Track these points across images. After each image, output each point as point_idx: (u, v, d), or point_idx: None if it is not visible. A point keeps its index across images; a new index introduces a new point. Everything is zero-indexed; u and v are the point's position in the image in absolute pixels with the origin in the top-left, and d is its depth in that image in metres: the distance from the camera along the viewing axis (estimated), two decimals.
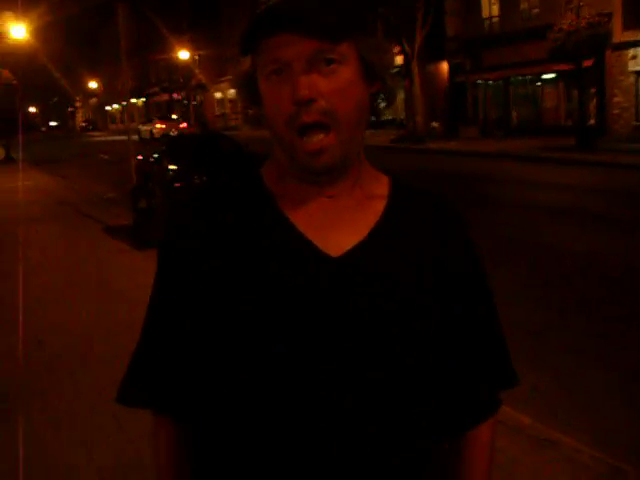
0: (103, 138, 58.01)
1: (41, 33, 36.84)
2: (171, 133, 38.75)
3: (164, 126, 45.68)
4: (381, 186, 1.19)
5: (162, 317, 1.17)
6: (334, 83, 1.04)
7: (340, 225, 1.12)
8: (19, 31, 30.32)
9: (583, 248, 8.87)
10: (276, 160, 1.17)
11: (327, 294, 1.07)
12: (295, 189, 1.13)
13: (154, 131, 45.28)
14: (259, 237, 1.11)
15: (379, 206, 1.16)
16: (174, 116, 52.53)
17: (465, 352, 1.20)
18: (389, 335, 1.08)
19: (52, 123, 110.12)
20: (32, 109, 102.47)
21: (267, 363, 1.06)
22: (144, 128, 45.95)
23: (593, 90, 25.83)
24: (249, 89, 1.13)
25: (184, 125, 46.76)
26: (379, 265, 1.10)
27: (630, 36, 24.16)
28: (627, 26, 24.19)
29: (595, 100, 26.15)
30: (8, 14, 30.25)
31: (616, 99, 25.40)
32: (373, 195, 1.17)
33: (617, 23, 24.39)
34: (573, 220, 10.94)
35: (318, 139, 1.05)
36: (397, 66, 36.13)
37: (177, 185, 10.12)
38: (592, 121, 25.42)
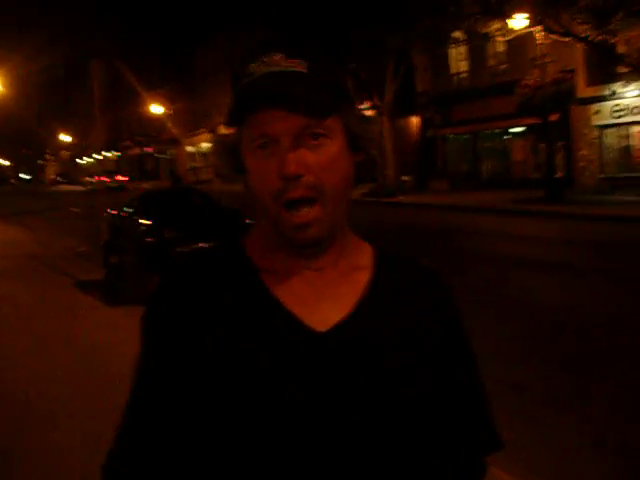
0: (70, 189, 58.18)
1: (14, 86, 36.87)
2: (109, 184, 56.11)
3: (103, 178, 60.93)
4: (365, 256, 1.19)
5: (148, 395, 1.14)
6: (321, 157, 1.04)
7: (326, 299, 1.11)
8: None
9: (559, 301, 8.92)
10: (261, 231, 1.15)
11: (315, 370, 1.06)
12: (281, 262, 1.12)
13: (94, 182, 61.67)
14: (246, 315, 1.09)
15: (364, 277, 1.15)
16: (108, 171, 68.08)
17: (451, 419, 1.19)
18: (379, 408, 1.07)
19: (23, 175, 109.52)
20: (3, 161, 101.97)
21: (257, 446, 1.04)
22: (88, 180, 64.79)
23: (560, 143, 26.38)
24: (233, 158, 1.12)
25: (119, 177, 60.03)
26: (366, 339, 1.09)
27: (593, 92, 24.86)
28: (590, 82, 24.90)
29: (562, 153, 26.68)
30: None
31: (582, 152, 25.97)
32: (358, 266, 1.16)
33: (580, 79, 25.11)
34: (547, 273, 11.04)
35: (305, 212, 1.04)
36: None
37: (149, 240, 10.06)
38: (560, 174, 25.89)
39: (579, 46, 23.00)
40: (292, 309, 1.09)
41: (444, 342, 1.17)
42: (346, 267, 1.15)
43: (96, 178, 62.15)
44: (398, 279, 1.18)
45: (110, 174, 62.37)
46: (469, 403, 1.21)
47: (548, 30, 21.45)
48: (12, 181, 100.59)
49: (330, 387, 1.06)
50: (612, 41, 19.79)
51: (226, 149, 1.13)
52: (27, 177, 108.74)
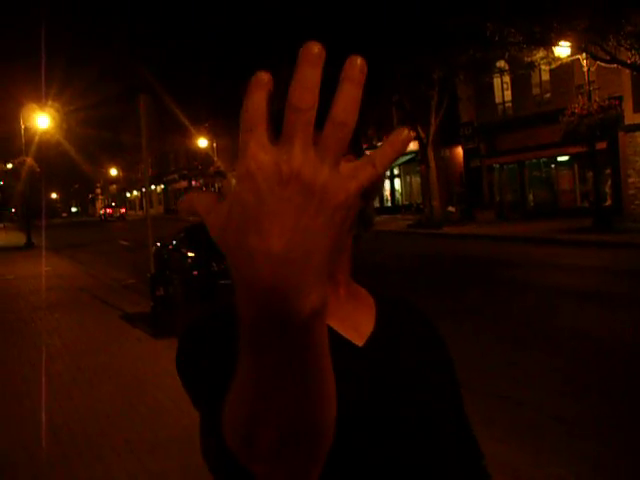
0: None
1: (64, 122, 37.86)
2: (115, 214, 74.33)
3: (110, 211, 77.61)
4: (361, 289, 1.30)
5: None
6: None
7: (352, 313, 1.20)
8: (43, 121, 31.26)
9: (608, 332, 8.71)
10: None
11: (362, 381, 1.12)
12: None
13: (104, 213, 76.72)
14: None
15: (370, 301, 1.27)
16: (113, 204, 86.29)
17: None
18: (422, 408, 1.16)
19: (73, 209, 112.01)
20: (54, 195, 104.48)
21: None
22: (100, 212, 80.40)
23: (608, 171, 26.01)
24: None
25: (123, 210, 77.58)
26: (395, 349, 1.21)
27: None
28: (638, 108, 24.54)
29: (610, 181, 26.29)
30: (32, 106, 31.24)
31: (631, 180, 25.53)
32: (361, 293, 1.28)
33: (628, 106, 24.76)
34: (596, 303, 10.80)
35: None
36: (412, 152, 36.75)
37: (195, 273, 10.14)
38: (608, 202, 25.50)
39: (626, 72, 22.74)
40: (330, 323, 1.08)
41: (443, 359, 1.31)
42: (353, 290, 1.26)
43: (103, 210, 79.15)
44: (393, 305, 1.31)
45: (114, 207, 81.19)
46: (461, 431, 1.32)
47: (593, 57, 21.27)
48: (64, 215, 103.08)
49: (377, 397, 1.12)
50: None
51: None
52: (75, 210, 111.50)
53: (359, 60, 0.56)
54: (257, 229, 0.54)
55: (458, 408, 1.32)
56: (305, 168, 0.54)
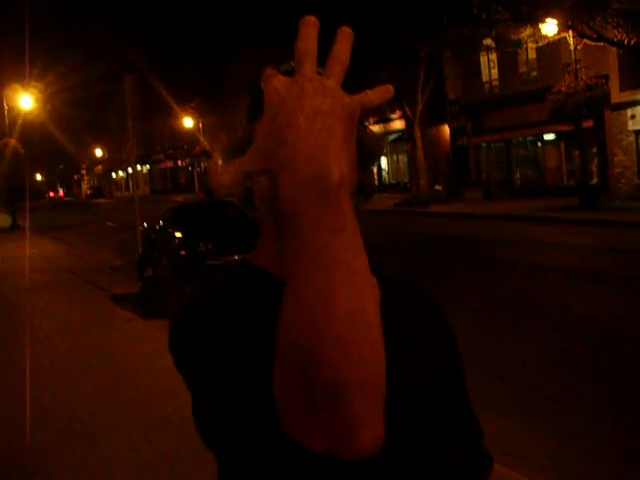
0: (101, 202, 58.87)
1: (48, 102, 37.49)
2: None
3: (88, 190, 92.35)
4: None
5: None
6: None
7: None
8: (26, 102, 30.93)
9: (597, 310, 8.76)
10: (269, 239, 1.13)
11: None
12: None
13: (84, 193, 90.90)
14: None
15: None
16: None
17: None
18: (422, 399, 1.11)
19: (59, 190, 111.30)
20: (38, 177, 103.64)
21: None
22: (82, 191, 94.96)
23: (594, 150, 26.08)
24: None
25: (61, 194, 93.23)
26: (396, 332, 1.13)
27: (628, 96, 24.50)
28: (624, 87, 24.56)
29: (596, 159, 26.37)
30: (15, 86, 30.90)
31: (617, 158, 25.61)
32: None
33: (614, 84, 24.78)
34: (584, 281, 10.87)
35: None
36: (399, 130, 36.67)
37: (183, 253, 10.11)
38: (595, 180, 25.58)
39: (612, 50, 22.73)
40: None
41: (447, 340, 1.27)
42: None
43: (88, 190, 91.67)
44: (396, 283, 1.25)
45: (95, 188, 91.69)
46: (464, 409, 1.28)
47: (580, 35, 21.24)
48: (47, 196, 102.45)
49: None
50: None
51: (239, 148, 1.09)
52: (61, 191, 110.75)
53: (348, 28, 0.79)
54: (288, 123, 0.71)
55: (460, 387, 1.28)
56: (315, 77, 0.73)
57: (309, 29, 0.75)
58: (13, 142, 30.82)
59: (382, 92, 0.79)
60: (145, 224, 13.21)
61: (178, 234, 11.03)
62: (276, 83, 0.73)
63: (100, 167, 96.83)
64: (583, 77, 22.77)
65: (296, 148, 0.71)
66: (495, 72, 31.57)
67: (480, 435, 1.33)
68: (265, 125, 0.74)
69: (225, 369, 1.00)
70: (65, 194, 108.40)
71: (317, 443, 0.79)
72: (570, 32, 21.77)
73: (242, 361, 0.99)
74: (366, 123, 1.14)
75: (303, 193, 0.71)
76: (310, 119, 0.71)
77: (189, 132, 60.14)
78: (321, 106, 0.72)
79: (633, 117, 24.73)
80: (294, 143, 0.71)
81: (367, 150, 1.11)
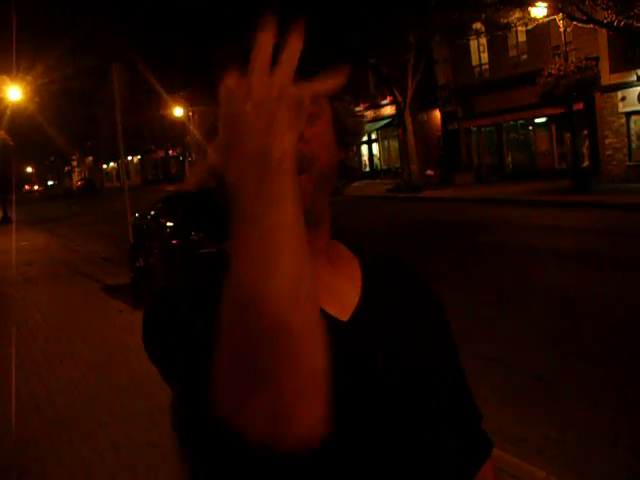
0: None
1: (37, 94, 37.27)
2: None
3: (79, 182, 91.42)
4: (342, 247, 1.22)
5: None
6: (314, 129, 1.04)
7: (333, 285, 1.12)
8: (14, 93, 30.69)
9: (589, 291, 8.79)
10: None
11: (349, 357, 1.03)
12: None
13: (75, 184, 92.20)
14: None
15: (355, 264, 1.19)
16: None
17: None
18: (414, 388, 1.08)
19: (49, 182, 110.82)
20: (28, 169, 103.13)
21: None
22: (73, 183, 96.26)
23: (585, 132, 26.08)
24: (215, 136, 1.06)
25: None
26: (383, 321, 1.12)
27: (618, 78, 24.48)
28: (614, 69, 24.53)
29: (587, 142, 26.37)
30: (3, 78, 30.65)
31: (608, 140, 25.61)
32: (344, 256, 1.20)
33: (604, 66, 24.74)
34: (576, 263, 10.88)
35: None
36: (390, 116, 36.58)
37: (174, 242, 10.07)
38: (586, 163, 25.59)
39: (602, 32, 22.69)
40: None
41: (439, 323, 1.24)
42: (335, 256, 1.17)
43: (79, 182, 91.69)
44: (382, 266, 1.23)
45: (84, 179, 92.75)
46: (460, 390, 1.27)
47: (570, 17, 21.17)
48: (37, 188, 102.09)
49: (365, 370, 1.05)
50: (637, 25, 19.41)
51: (212, 130, 1.04)
52: (52, 183, 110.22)
53: (300, 25, 0.81)
54: (237, 113, 0.77)
55: (456, 372, 1.25)
56: (263, 72, 0.77)
57: (265, 31, 0.79)
58: (2, 134, 30.64)
59: (335, 78, 0.82)
60: (137, 214, 13.15)
61: (169, 223, 10.97)
62: (228, 81, 0.79)
63: (91, 158, 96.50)
64: (573, 60, 22.71)
65: (242, 131, 0.77)
66: (485, 56, 31.49)
67: (478, 418, 1.31)
68: (221, 121, 0.80)
69: (194, 360, 0.96)
70: (52, 186, 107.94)
71: (255, 426, 0.77)
72: (560, 14, 21.71)
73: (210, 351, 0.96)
74: (349, 104, 1.13)
75: (247, 168, 0.77)
76: (257, 107, 0.77)
77: (179, 122, 59.94)
78: (267, 95, 0.77)
79: (623, 99, 24.73)
80: (241, 127, 0.77)
81: (346, 129, 1.11)
